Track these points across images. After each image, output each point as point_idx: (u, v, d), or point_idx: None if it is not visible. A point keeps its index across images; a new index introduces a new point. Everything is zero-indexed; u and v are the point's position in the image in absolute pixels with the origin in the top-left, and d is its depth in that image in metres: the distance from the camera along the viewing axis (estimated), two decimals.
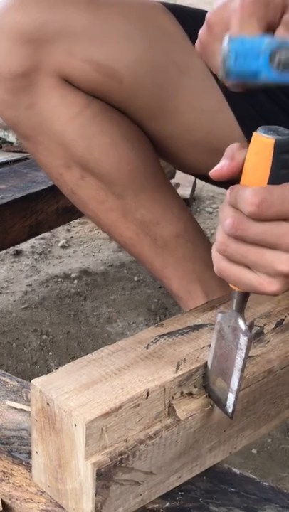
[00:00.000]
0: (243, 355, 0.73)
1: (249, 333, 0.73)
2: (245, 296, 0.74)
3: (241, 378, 0.75)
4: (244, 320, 0.74)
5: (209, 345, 0.81)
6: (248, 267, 0.71)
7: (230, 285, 0.74)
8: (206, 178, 1.35)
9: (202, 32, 0.80)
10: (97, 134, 1.14)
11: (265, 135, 0.66)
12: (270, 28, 0.75)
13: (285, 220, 0.68)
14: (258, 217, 0.68)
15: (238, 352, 0.74)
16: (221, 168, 0.70)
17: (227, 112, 1.16)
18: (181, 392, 0.78)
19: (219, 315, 0.75)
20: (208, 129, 1.09)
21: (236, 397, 0.75)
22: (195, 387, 0.79)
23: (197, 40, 0.80)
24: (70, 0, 1.11)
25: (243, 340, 0.73)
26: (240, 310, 0.74)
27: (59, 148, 1.15)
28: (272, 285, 0.70)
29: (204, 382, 0.78)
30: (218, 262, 0.72)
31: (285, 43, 0.68)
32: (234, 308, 0.74)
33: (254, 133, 0.68)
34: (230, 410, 0.76)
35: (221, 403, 0.77)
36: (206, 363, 0.79)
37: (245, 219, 0.68)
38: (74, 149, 1.14)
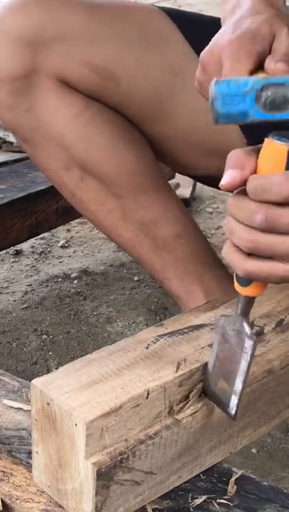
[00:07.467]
0: (248, 358, 0.73)
1: (254, 337, 0.73)
2: (250, 300, 0.74)
3: (245, 381, 0.74)
4: (249, 324, 0.74)
5: (210, 345, 0.81)
6: (276, 258, 0.68)
7: (236, 289, 0.73)
8: (204, 180, 1.35)
9: (198, 72, 0.83)
10: (96, 135, 1.14)
11: (279, 142, 0.66)
12: (262, 58, 0.77)
13: None
14: None
15: (243, 355, 0.73)
16: (232, 179, 0.68)
17: None
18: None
19: (222, 318, 0.75)
20: (205, 131, 1.09)
21: (239, 399, 0.75)
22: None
23: (195, 80, 0.83)
24: (68, 3, 1.11)
25: (249, 343, 0.73)
26: (246, 314, 0.74)
27: (58, 150, 1.15)
28: None
29: (205, 385, 0.78)
30: (243, 263, 0.69)
31: (269, 81, 0.67)
32: (239, 312, 0.74)
33: (266, 139, 0.67)
34: (233, 412, 0.76)
35: (223, 405, 0.77)
36: (206, 364, 0.78)
37: (276, 208, 0.66)
38: (73, 151, 1.14)
